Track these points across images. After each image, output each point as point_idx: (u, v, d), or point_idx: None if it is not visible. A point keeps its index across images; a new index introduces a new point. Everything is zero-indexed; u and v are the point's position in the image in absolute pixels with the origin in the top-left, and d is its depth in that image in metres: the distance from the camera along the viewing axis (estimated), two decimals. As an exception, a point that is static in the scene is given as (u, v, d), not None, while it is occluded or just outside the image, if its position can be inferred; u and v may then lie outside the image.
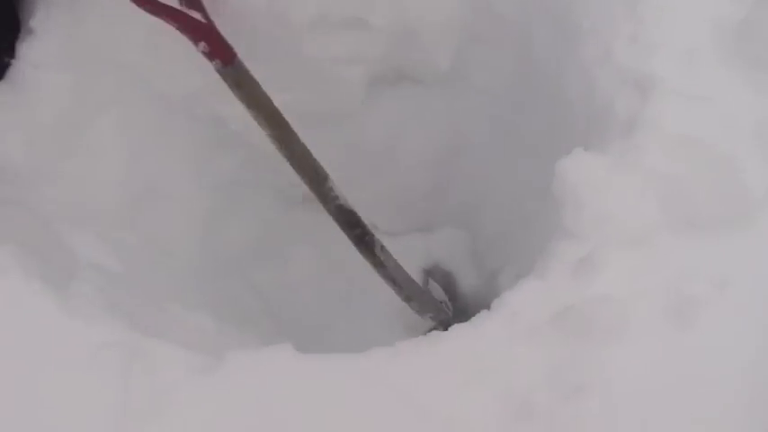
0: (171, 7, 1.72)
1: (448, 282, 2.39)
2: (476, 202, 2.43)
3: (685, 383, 1.35)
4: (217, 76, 2.07)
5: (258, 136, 2.17)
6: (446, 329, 1.42)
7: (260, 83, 2.11)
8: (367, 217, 2.40)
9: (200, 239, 2.09)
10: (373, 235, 1.92)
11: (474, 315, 1.49)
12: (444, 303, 2.29)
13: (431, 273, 2.31)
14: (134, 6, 1.72)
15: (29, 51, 1.96)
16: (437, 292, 2.26)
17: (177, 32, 2.00)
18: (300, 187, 2.33)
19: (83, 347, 1.26)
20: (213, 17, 1.78)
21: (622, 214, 1.49)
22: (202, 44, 1.74)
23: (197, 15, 1.75)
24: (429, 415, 1.26)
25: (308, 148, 1.86)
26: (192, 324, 1.59)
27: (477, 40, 2.25)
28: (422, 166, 2.34)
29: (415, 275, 2.25)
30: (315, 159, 1.84)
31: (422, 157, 2.37)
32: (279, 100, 2.15)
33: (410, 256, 2.33)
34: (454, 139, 2.38)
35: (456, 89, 2.35)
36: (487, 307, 1.45)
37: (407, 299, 2.05)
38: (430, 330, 2.13)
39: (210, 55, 1.74)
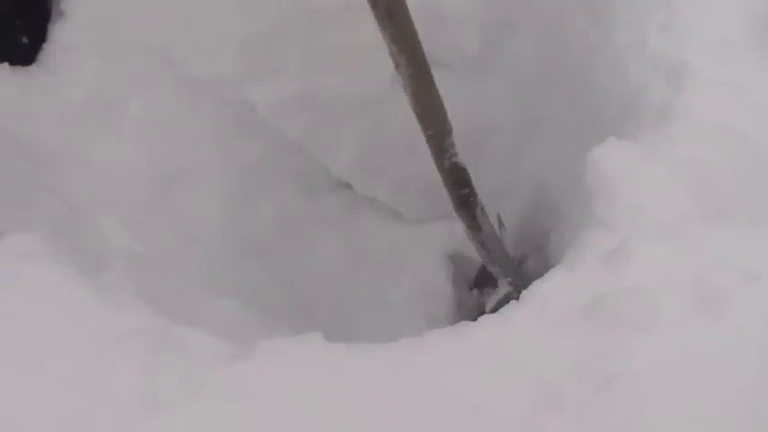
0: None
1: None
2: (501, 188, 2.42)
3: (714, 375, 1.34)
4: (247, 59, 2.09)
5: (284, 122, 2.18)
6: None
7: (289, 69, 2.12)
8: (391, 204, 2.41)
9: (225, 224, 2.09)
10: (477, 196, 1.79)
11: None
12: (516, 260, 2.23)
13: (501, 221, 2.22)
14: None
15: (60, 34, 1.98)
16: (507, 240, 2.17)
17: (206, 16, 2.01)
18: (324, 174, 2.34)
19: (112, 333, 1.26)
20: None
21: (654, 205, 1.47)
22: None
23: None
24: (458, 405, 1.25)
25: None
26: (218, 310, 1.59)
27: (505, 24, 2.24)
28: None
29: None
30: (445, 110, 1.65)
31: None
32: (306, 86, 2.16)
33: (434, 242, 2.34)
34: (480, 124, 2.37)
35: (483, 74, 2.33)
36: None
37: (492, 262, 1.97)
38: (505, 295, 2.11)
39: None
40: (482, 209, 1.83)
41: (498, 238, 1.97)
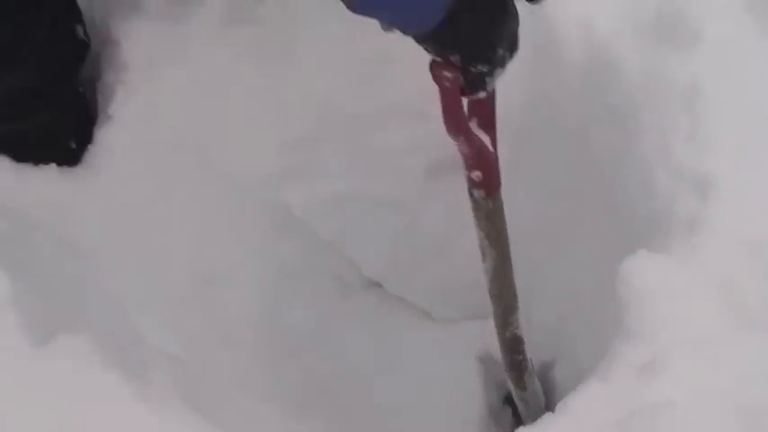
0: (473, 132, 1.49)
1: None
2: (529, 293, 2.43)
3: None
4: (285, 161, 2.16)
5: (320, 222, 2.23)
6: None
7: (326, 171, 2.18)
8: (421, 304, 2.44)
9: (262, 325, 2.12)
10: (528, 360, 1.92)
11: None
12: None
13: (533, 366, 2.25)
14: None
15: (105, 137, 2.06)
16: (539, 388, 2.21)
17: (247, 119, 2.09)
18: (357, 273, 2.38)
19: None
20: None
21: (686, 317, 1.49)
22: (477, 173, 1.54)
23: (486, 140, 1.54)
24: None
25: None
26: (259, 416, 1.61)
27: (533, 130, 2.29)
28: (477, 253, 2.37)
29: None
30: (516, 291, 1.79)
31: (477, 244, 2.40)
32: (342, 188, 2.21)
33: (465, 344, 2.35)
34: (508, 229, 2.41)
35: (510, 178, 2.37)
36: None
37: (527, 417, 2.04)
38: None
39: (479, 184, 1.56)
40: (530, 372, 1.95)
41: (540, 395, 2.04)
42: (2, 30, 1.80)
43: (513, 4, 1.31)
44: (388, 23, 1.24)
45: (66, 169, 2.03)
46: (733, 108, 1.81)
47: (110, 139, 2.06)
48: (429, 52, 1.30)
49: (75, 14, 1.98)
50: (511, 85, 2.19)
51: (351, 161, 2.20)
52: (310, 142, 2.18)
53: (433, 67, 1.33)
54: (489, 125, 1.52)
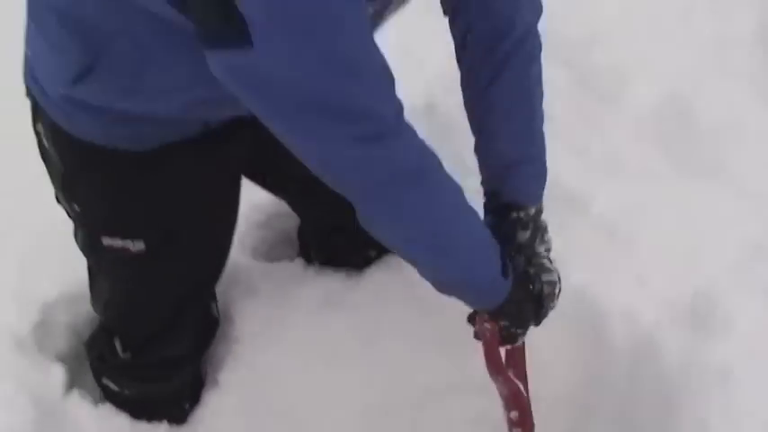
0: (511, 378, 1.85)
1: None
2: None
3: None
4: (365, 426, 2.39)
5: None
6: None
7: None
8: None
9: None
10: None
11: None
12: None
13: None
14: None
15: (211, 399, 2.34)
16: None
17: (333, 388, 2.36)
18: None
19: None
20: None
21: None
22: (515, 413, 1.89)
23: (521, 386, 1.89)
24: None
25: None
26: None
27: (587, 403, 2.50)
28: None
29: None
30: None
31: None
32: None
33: None
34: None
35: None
36: None
37: None
38: None
39: (516, 423, 1.90)
40: None
41: None
42: (164, 306, 2.10)
43: (544, 298, 1.81)
44: (464, 302, 1.75)
45: (174, 427, 2.32)
46: (762, 388, 2.06)
47: (214, 402, 2.34)
48: (483, 315, 1.76)
49: (212, 294, 2.29)
50: (572, 365, 2.45)
51: (421, 427, 2.43)
52: (385, 409, 2.41)
53: (477, 321, 1.78)
54: (522, 375, 1.91)
